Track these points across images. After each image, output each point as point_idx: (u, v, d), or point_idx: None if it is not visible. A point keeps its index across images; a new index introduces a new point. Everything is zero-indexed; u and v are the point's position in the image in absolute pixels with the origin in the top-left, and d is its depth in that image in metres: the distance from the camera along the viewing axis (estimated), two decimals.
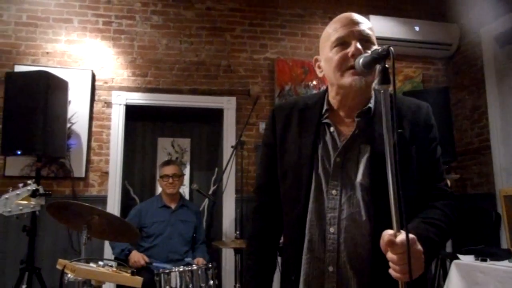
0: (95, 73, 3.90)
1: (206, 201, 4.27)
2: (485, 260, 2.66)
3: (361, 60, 1.11)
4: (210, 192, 4.22)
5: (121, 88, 3.95)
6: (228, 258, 3.81)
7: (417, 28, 4.29)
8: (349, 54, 1.17)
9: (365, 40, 1.19)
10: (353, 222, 1.18)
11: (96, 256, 3.42)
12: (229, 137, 4.05)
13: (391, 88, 1.01)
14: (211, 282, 2.81)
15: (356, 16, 1.23)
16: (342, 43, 1.20)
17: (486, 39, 4.11)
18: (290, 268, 1.26)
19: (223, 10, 4.26)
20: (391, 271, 0.98)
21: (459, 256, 2.90)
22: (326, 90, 1.34)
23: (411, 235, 0.94)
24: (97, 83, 3.91)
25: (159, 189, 3.83)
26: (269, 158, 1.38)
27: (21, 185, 2.01)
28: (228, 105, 4.11)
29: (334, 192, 1.21)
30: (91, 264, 2.03)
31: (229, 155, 3.60)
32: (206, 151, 4.53)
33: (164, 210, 3.50)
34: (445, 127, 3.45)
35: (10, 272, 3.40)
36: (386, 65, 1.01)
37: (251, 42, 4.27)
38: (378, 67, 1.04)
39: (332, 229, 1.19)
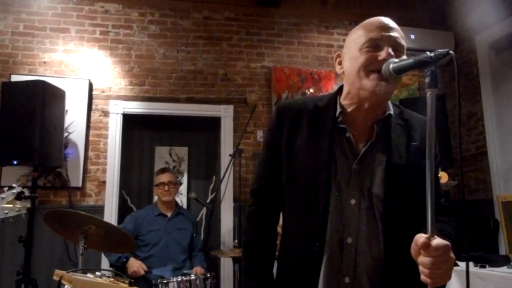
0: (92, 82, 3.90)
1: (204, 210, 4.25)
2: (484, 267, 2.66)
3: (391, 66, 1.08)
4: (208, 200, 4.20)
5: (118, 97, 3.95)
6: (227, 267, 3.79)
7: (412, 37, 4.32)
8: (380, 58, 1.13)
9: (396, 49, 1.16)
10: (370, 232, 1.17)
11: (93, 266, 3.39)
12: (226, 146, 4.06)
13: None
14: None
15: (392, 23, 1.21)
16: (374, 45, 1.16)
17: (482, 46, 4.15)
18: (303, 277, 1.20)
19: (220, 19, 4.29)
20: (422, 276, 0.98)
21: (458, 262, 2.89)
22: (337, 92, 1.30)
23: (446, 242, 0.95)
24: (94, 92, 3.91)
25: (156, 198, 3.82)
26: (273, 160, 1.30)
27: (6, 188, 1.98)
28: (225, 113, 4.12)
29: (353, 201, 1.19)
30: (88, 275, 2.02)
31: (227, 163, 3.59)
32: (204, 160, 4.52)
33: (160, 218, 3.48)
34: (442, 134, 3.47)
35: (6, 283, 3.37)
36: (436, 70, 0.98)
37: (247, 51, 4.29)
38: (426, 71, 0.98)
39: (350, 239, 1.17)
